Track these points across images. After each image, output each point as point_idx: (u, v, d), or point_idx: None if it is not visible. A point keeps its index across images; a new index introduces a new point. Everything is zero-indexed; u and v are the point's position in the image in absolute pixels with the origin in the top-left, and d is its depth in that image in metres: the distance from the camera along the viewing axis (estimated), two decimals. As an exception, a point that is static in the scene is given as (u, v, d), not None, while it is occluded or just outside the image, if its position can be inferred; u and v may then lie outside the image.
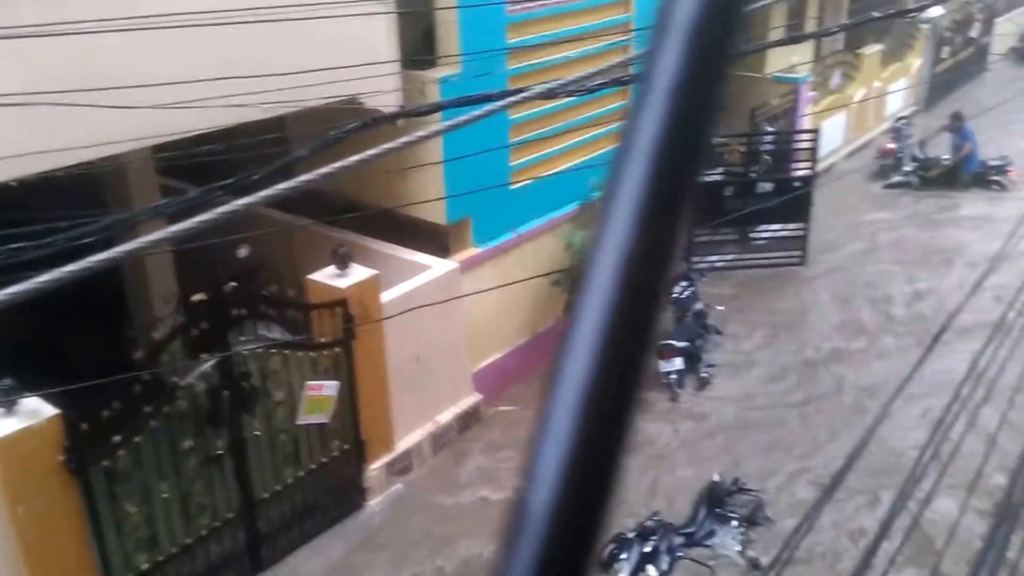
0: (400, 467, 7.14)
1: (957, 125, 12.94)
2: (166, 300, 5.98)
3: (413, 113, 6.08)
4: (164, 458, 5.46)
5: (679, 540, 6.46)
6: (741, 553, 6.43)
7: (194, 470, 5.64)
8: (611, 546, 6.34)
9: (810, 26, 11.60)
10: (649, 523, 6.50)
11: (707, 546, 6.51)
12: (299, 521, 6.40)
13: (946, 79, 16.67)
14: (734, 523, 6.54)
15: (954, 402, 2.80)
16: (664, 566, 6.31)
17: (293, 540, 6.37)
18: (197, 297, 5.67)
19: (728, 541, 6.49)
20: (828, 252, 10.96)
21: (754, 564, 6.33)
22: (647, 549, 6.29)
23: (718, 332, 9.21)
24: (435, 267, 7.35)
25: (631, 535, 6.42)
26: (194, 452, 5.63)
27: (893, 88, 14.73)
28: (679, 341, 8.47)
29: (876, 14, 5.98)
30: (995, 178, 12.90)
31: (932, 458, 2.60)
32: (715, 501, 6.66)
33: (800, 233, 10.61)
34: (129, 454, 5.25)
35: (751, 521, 6.61)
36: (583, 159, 8.72)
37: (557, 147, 8.49)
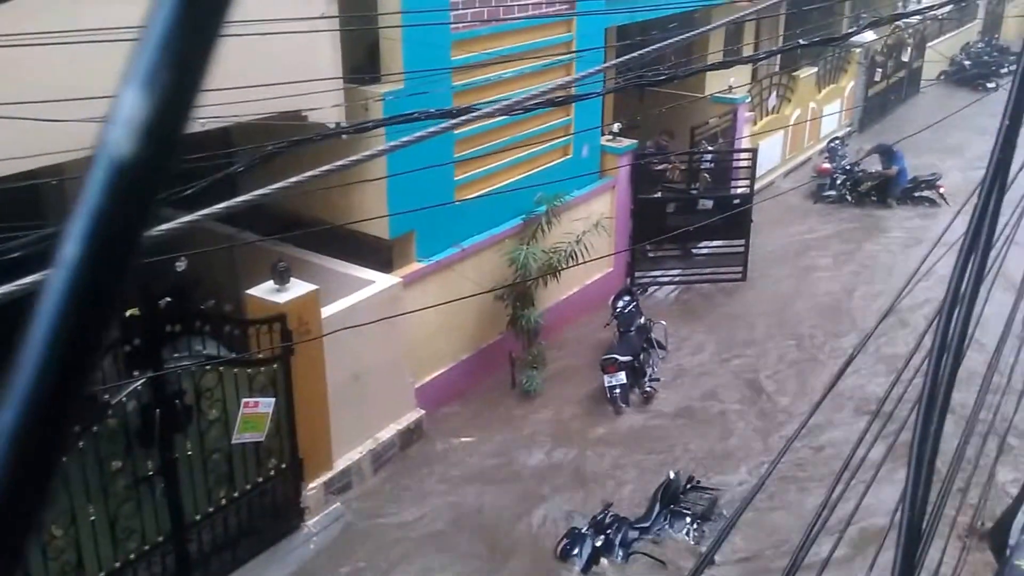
0: (339, 485, 7.05)
1: (887, 157, 13.47)
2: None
3: (359, 128, 6.07)
4: (92, 479, 5.29)
5: (633, 534, 6.62)
6: (695, 547, 6.58)
7: (123, 492, 5.47)
8: (564, 541, 6.52)
9: (747, 49, 11.97)
10: (602, 517, 6.66)
11: (658, 541, 6.64)
12: (233, 544, 6.25)
13: (880, 101, 17.37)
14: (687, 519, 6.73)
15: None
16: (618, 559, 6.46)
17: (226, 564, 6.21)
18: (130, 312, 5.52)
19: (681, 536, 6.66)
20: (768, 268, 11.26)
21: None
22: (599, 543, 6.48)
23: (662, 347, 9.37)
24: (378, 282, 7.32)
25: (585, 530, 6.55)
26: (123, 473, 5.46)
27: (828, 109, 15.28)
28: (622, 355, 8.58)
29: (803, 41, 6.19)
30: (926, 193, 13.46)
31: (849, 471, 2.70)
32: (670, 498, 6.88)
33: (740, 249, 10.89)
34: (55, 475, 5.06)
35: (705, 517, 6.82)
36: (526, 174, 8.81)
37: (501, 162, 8.57)
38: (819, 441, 7.72)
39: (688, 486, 7.11)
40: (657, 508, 6.83)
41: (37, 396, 0.35)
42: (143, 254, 0.37)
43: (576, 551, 6.47)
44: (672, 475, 7.02)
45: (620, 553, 6.52)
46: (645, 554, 6.54)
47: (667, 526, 6.77)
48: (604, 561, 6.47)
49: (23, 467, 0.34)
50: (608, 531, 6.59)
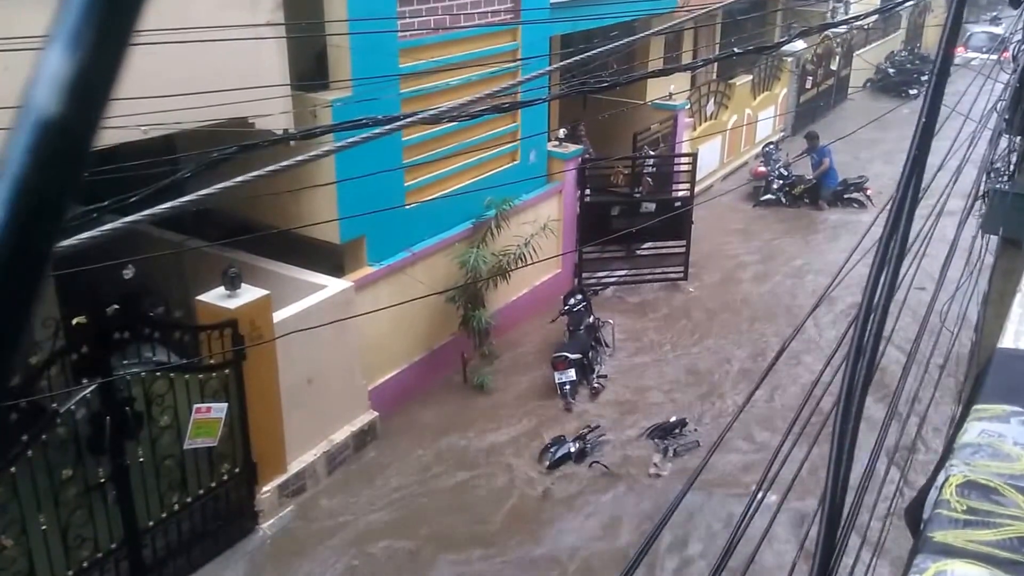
0: (293, 488, 7.09)
1: (813, 144, 14.18)
2: (45, 323, 5.76)
3: (306, 135, 6.15)
4: (42, 488, 5.25)
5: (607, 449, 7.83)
6: (653, 469, 7.64)
7: (74, 500, 5.44)
8: (548, 442, 7.80)
9: (685, 58, 12.41)
10: (586, 433, 7.91)
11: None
12: (187, 549, 6.25)
13: (810, 107, 18.14)
14: (661, 448, 7.90)
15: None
16: (586, 466, 7.65)
17: (180, 569, 6.21)
18: (77, 320, 5.50)
19: (652, 454, 7.84)
20: (708, 266, 11.69)
21: (656, 475, 7.60)
22: (573, 449, 7.69)
23: (608, 345, 9.67)
24: (330, 286, 7.40)
25: (569, 438, 7.81)
26: (74, 481, 5.43)
27: (762, 115, 15.91)
28: (572, 353, 8.85)
29: (738, 50, 6.53)
30: (854, 195, 14.15)
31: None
32: (660, 433, 8.04)
33: (681, 250, 11.28)
34: (4, 485, 5.04)
35: (679, 453, 7.88)
36: (475, 179, 8.99)
37: (450, 168, 8.72)
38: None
39: (679, 430, 8.08)
40: (644, 437, 7.99)
41: None
42: (68, 223, 0.33)
43: (553, 448, 7.63)
44: (672, 419, 8.13)
45: (589, 463, 7.62)
46: (599, 463, 7.60)
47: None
48: (571, 462, 7.60)
49: None
50: (588, 444, 7.73)
